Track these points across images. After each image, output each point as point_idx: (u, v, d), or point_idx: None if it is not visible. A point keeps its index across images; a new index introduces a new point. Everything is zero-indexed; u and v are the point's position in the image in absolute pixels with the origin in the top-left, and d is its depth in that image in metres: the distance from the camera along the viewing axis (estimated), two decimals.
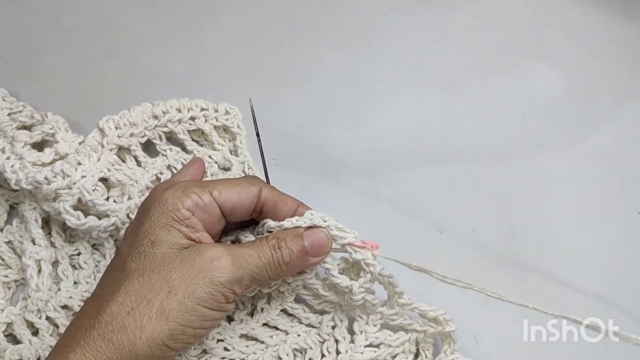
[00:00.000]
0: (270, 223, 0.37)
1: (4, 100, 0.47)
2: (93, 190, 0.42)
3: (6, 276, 0.44)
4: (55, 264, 0.43)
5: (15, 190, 0.45)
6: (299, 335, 0.41)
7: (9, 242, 0.45)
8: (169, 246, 0.34)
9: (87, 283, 0.43)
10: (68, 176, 0.41)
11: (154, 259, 0.34)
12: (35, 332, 0.42)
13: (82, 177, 0.42)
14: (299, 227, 0.37)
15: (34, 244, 0.43)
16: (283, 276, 0.37)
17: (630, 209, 0.47)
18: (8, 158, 0.42)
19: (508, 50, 0.53)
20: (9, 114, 0.45)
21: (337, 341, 0.40)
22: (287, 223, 0.37)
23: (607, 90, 0.51)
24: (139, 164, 0.45)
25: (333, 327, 0.41)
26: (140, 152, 0.45)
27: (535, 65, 0.52)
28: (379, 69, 0.52)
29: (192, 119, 0.46)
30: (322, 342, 0.41)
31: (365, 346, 0.40)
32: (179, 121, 0.46)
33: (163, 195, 0.35)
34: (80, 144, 0.45)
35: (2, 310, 0.42)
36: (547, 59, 0.52)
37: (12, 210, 0.46)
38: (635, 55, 0.52)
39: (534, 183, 0.47)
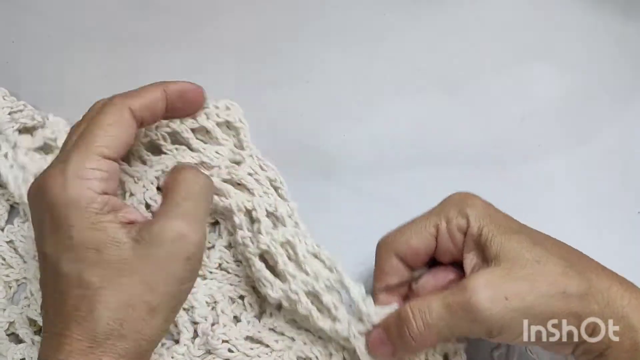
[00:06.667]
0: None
1: (4, 99, 0.47)
2: None
3: (7, 275, 0.44)
4: None
5: None
6: (305, 344, 0.40)
7: (10, 242, 0.45)
8: (116, 244, 0.32)
9: None
10: None
11: (111, 265, 0.31)
12: (38, 331, 0.42)
13: None
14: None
15: None
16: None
17: (630, 209, 0.47)
18: (11, 166, 0.41)
19: (508, 50, 0.53)
20: (9, 113, 0.45)
21: (345, 349, 0.39)
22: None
23: (608, 90, 0.51)
24: (144, 162, 0.45)
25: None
26: (143, 152, 0.45)
27: (535, 65, 0.52)
28: (379, 69, 0.52)
29: (194, 117, 0.46)
30: (330, 356, 0.39)
31: None
32: (181, 120, 0.46)
33: (65, 196, 0.32)
34: None
35: (4, 309, 0.42)
36: (547, 59, 0.52)
37: (13, 210, 0.46)
38: (635, 55, 0.52)
39: (534, 183, 0.47)
